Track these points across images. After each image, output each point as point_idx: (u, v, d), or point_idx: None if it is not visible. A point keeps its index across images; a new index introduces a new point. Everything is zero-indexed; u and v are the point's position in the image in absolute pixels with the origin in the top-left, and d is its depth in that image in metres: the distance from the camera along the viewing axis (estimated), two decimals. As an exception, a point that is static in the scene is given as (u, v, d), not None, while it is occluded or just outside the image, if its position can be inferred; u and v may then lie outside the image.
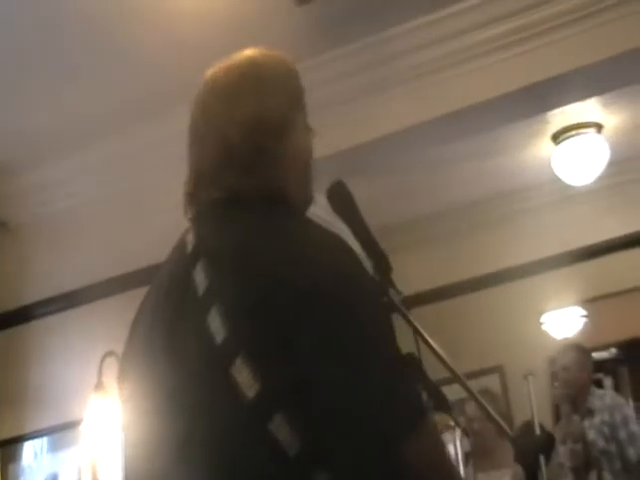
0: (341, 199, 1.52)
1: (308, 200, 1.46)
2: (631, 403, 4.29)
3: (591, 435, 4.17)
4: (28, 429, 3.92)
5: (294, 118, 1.42)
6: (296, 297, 1.19)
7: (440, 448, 1.28)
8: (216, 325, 1.19)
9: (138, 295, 1.48)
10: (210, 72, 1.46)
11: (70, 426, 3.71)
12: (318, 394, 1.15)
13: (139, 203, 3.82)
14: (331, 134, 3.60)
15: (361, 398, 1.16)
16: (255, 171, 1.36)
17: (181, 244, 1.38)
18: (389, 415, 1.18)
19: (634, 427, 4.11)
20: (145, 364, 1.34)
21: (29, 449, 3.96)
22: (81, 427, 3.58)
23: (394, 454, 1.17)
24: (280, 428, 1.13)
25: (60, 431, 3.82)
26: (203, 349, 1.22)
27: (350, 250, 1.29)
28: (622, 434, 4.13)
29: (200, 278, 1.25)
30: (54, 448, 3.90)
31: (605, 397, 4.40)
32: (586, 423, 4.22)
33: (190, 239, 1.35)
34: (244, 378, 1.15)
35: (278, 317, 1.18)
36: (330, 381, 1.16)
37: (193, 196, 1.42)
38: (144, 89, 3.59)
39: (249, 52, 1.46)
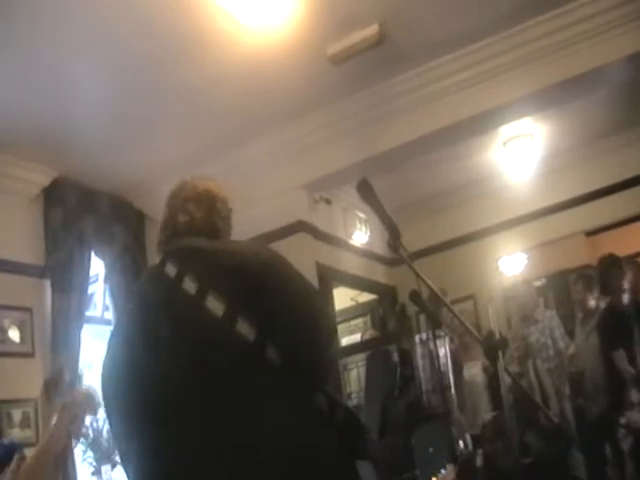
0: (365, 190, 1.50)
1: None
2: (555, 314, 4.24)
3: (536, 335, 4.14)
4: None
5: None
6: (258, 269, 1.25)
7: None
8: (214, 305, 1.19)
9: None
10: (192, 180, 1.56)
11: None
12: (279, 320, 1.20)
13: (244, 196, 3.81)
14: (358, 146, 3.61)
15: (305, 321, 1.23)
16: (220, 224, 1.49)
17: (158, 272, 1.32)
18: (322, 333, 1.26)
19: (561, 330, 4.10)
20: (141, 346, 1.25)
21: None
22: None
23: (325, 357, 1.28)
24: (271, 349, 1.17)
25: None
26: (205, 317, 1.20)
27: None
28: (556, 334, 4.10)
29: (189, 285, 1.22)
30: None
31: (545, 311, 4.36)
32: (532, 328, 4.20)
33: (170, 267, 1.29)
34: (246, 329, 1.17)
35: (250, 284, 1.22)
36: (286, 314, 1.22)
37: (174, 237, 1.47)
38: (225, 129, 3.61)
39: (205, 180, 1.56)
